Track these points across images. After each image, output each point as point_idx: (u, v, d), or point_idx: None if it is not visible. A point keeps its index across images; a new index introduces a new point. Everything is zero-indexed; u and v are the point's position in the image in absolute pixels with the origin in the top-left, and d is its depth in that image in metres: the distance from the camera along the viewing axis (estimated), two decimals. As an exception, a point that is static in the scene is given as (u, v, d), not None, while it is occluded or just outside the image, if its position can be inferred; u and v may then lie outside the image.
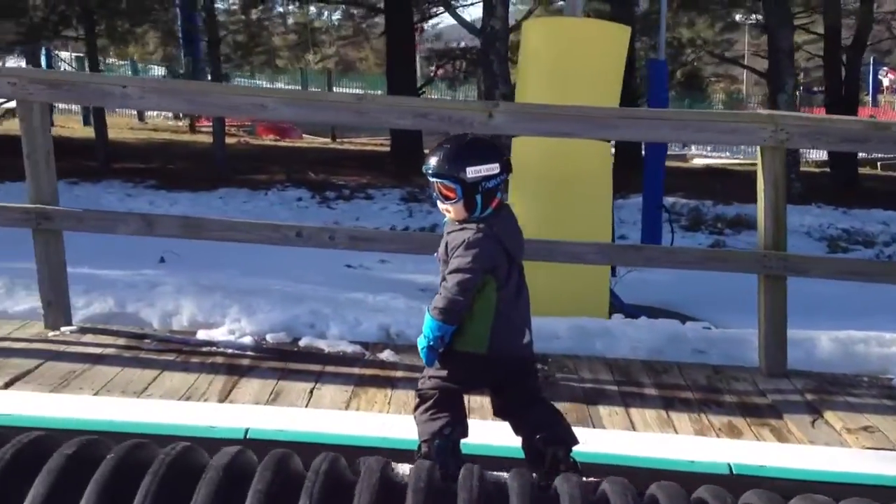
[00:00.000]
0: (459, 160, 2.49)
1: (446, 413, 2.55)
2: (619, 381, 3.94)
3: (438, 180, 2.50)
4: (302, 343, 4.22)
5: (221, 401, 3.48)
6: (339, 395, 3.60)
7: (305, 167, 15.93)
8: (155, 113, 24.13)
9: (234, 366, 3.86)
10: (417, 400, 2.63)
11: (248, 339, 4.19)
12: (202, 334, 4.24)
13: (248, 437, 3.05)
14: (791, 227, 11.99)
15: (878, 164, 21.60)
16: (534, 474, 2.42)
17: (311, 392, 3.61)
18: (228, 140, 18.09)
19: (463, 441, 2.59)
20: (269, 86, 23.45)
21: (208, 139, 20.63)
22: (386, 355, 4.10)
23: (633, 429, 3.45)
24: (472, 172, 2.46)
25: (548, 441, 2.55)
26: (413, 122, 3.90)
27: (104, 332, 4.20)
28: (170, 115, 24.10)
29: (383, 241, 4.20)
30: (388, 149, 18.67)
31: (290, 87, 25.06)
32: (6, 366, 3.67)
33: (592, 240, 4.98)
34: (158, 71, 25.49)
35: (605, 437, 3.31)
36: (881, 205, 13.38)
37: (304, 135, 23.51)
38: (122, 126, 21.72)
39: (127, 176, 13.70)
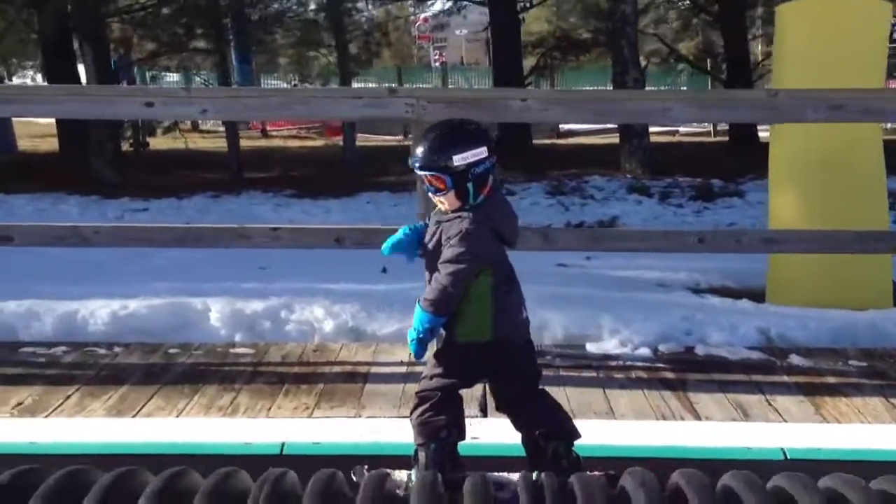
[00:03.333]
0: (445, 149, 2.41)
1: (443, 416, 2.47)
2: None
3: (427, 172, 2.43)
4: (699, 352, 4.14)
5: (698, 418, 3.39)
6: (801, 407, 3.49)
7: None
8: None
9: (665, 380, 3.78)
10: (416, 402, 2.54)
11: (644, 351, 4.11)
12: (592, 347, 4.17)
13: (787, 457, 2.97)
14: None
15: None
16: (535, 472, 2.36)
17: (769, 403, 3.52)
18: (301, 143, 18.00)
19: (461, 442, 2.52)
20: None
21: (284, 143, 20.63)
22: (796, 360, 4.00)
23: None
24: (460, 160, 2.39)
25: (548, 436, 2.49)
26: (828, 114, 3.78)
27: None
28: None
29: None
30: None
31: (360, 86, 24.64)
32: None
33: (870, 226, 4.81)
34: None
35: None
36: None
37: (359, 133, 23.03)
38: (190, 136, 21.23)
39: (262, 186, 13.71)
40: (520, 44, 17.09)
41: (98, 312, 4.47)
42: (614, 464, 2.98)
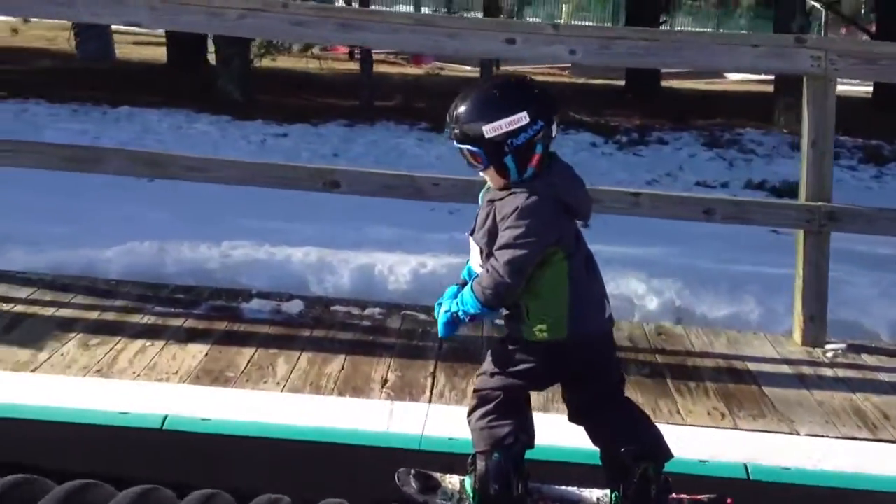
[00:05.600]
0: (475, 117, 2.03)
1: (509, 420, 2.14)
2: None
3: (459, 146, 2.07)
4: None
5: None
6: None
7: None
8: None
9: None
10: (474, 402, 2.20)
11: None
12: None
13: None
14: None
15: None
16: (613, 494, 2.16)
17: None
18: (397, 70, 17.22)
19: None
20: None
21: (376, 69, 19.58)
22: None
23: None
24: (491, 130, 2.00)
25: (637, 455, 2.14)
26: None
27: (875, 351, 3.63)
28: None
29: None
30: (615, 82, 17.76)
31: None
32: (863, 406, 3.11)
33: None
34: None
35: None
36: None
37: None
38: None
39: (391, 116, 13.13)
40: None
41: (397, 269, 4.04)
42: None
